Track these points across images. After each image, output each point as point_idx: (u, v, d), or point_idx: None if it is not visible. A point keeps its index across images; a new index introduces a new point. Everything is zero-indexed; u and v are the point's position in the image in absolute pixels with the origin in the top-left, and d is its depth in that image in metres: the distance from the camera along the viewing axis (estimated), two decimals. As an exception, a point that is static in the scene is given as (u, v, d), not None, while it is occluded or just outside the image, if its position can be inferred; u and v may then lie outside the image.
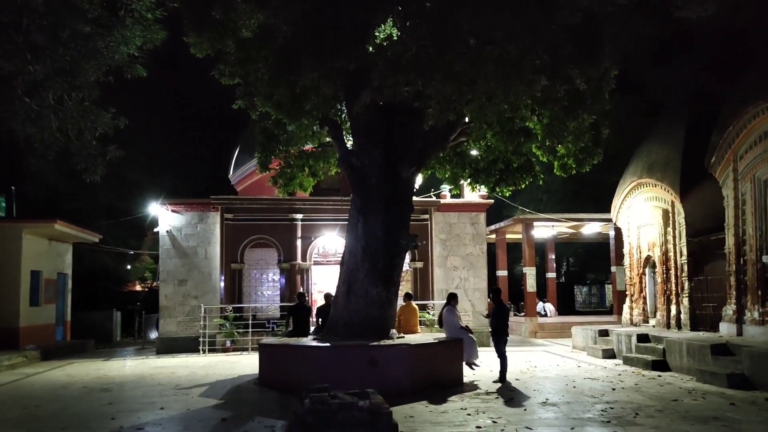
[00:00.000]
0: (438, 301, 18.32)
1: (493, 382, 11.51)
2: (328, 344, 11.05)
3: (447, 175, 14.64)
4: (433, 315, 17.68)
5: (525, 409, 9.01)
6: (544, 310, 26.82)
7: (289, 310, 13.82)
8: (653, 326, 16.67)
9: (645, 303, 17.60)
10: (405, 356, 10.67)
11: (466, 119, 11.74)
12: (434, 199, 20.54)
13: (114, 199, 24.82)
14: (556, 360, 15.22)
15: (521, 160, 13.50)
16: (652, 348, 13.73)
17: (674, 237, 15.88)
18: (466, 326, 12.72)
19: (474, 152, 14.19)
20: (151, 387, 11.61)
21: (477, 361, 12.33)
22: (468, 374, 12.07)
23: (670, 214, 16.00)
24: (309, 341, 11.73)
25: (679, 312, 15.60)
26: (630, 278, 18.22)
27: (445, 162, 14.33)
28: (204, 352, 17.26)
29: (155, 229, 19.02)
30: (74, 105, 13.47)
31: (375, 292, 11.66)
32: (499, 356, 11.81)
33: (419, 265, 19.56)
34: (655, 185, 16.44)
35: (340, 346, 10.93)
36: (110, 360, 16.92)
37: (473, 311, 19.21)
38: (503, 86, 9.61)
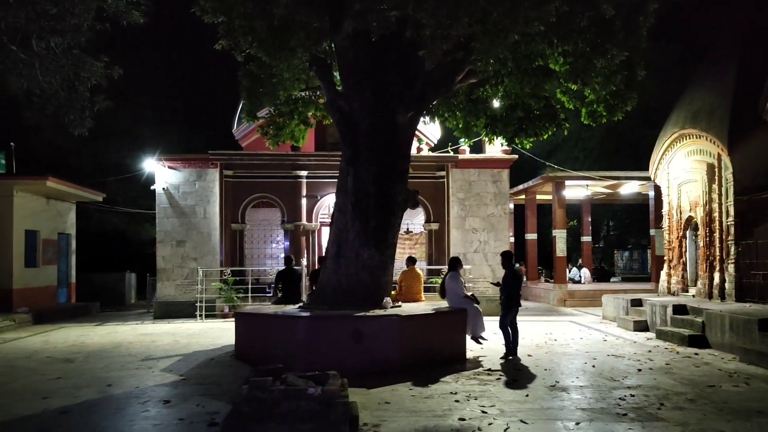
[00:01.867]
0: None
1: (501, 358, 10.09)
2: (307, 314, 9.70)
3: (460, 125, 12.98)
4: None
5: (527, 395, 7.55)
6: (579, 276, 25.19)
7: (277, 275, 12.54)
8: (693, 296, 14.88)
9: (685, 270, 15.77)
10: (394, 329, 9.22)
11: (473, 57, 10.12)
12: (452, 154, 18.82)
13: (122, 156, 23.78)
14: (580, 332, 13.65)
15: (541, 105, 11.79)
16: (690, 321, 12.06)
17: (720, 195, 13.94)
18: (472, 295, 11.23)
19: (495, 102, 12.55)
20: (119, 358, 10.50)
21: (484, 335, 10.89)
22: (475, 349, 10.68)
23: (716, 169, 14.03)
24: (289, 310, 10.40)
25: (723, 280, 13.75)
26: (669, 242, 16.35)
27: (456, 109, 12.69)
28: (201, 317, 16.20)
29: (152, 187, 17.86)
30: (62, 53, 12.31)
31: (367, 255, 10.23)
32: (509, 328, 10.32)
33: (435, 226, 18.00)
34: (700, 136, 14.45)
35: (321, 316, 9.54)
36: (102, 325, 15.98)
37: (493, 277, 17.63)
38: (508, 9, 7.99)
